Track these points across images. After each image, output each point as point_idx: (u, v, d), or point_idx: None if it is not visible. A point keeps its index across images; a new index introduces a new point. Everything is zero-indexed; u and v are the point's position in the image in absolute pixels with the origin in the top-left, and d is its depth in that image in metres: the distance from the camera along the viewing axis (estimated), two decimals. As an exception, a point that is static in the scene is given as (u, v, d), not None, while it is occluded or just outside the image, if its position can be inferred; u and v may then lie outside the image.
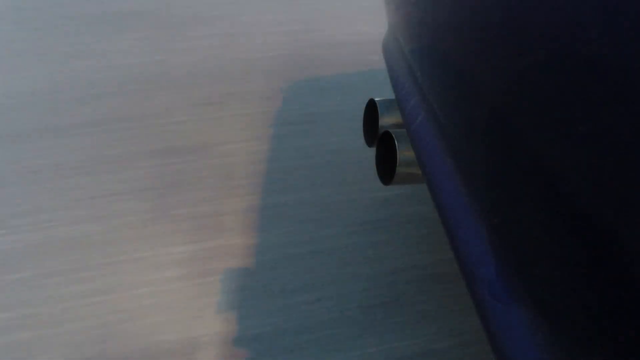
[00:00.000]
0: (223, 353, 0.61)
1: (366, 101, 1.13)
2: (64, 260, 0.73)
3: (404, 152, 0.61)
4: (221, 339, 0.62)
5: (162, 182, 0.89)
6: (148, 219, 0.81)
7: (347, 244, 0.76)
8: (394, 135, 0.63)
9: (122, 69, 1.31)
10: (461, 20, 0.36)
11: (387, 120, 0.72)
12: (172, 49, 1.43)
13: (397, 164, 0.61)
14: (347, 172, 0.91)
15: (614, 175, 0.22)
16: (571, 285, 0.25)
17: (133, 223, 0.80)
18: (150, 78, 1.25)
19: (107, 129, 1.04)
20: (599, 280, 0.23)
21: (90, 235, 0.78)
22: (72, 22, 1.65)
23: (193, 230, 0.79)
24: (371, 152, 0.97)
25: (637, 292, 0.21)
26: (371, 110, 0.76)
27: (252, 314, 0.65)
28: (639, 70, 0.20)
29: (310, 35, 1.53)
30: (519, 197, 0.29)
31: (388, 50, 0.67)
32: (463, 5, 0.36)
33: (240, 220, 0.81)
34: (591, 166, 0.23)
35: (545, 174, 0.27)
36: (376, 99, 0.74)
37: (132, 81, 1.24)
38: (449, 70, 0.39)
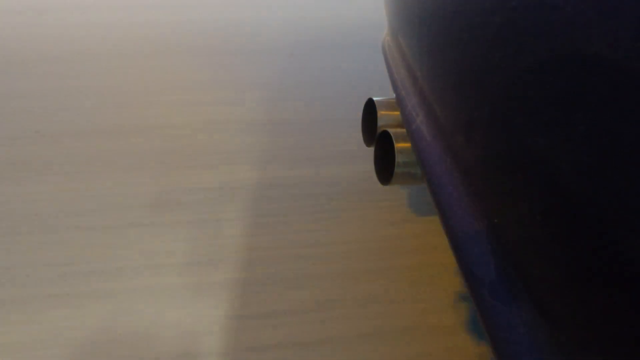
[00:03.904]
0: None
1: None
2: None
3: (403, 152, 0.61)
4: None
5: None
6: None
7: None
8: (392, 135, 0.63)
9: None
10: (461, 19, 0.36)
11: (385, 119, 0.72)
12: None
13: (396, 164, 0.61)
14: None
15: (616, 175, 0.22)
16: (572, 285, 0.25)
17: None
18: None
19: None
20: (600, 280, 0.23)
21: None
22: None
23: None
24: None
25: (638, 292, 0.21)
26: (369, 109, 0.76)
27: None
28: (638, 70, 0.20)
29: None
30: (520, 197, 0.29)
31: (388, 50, 0.67)
32: (463, 4, 0.36)
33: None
34: (592, 165, 0.23)
35: (546, 174, 0.27)
36: (375, 98, 0.74)
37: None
38: (450, 70, 0.39)
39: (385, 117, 0.72)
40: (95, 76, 1.28)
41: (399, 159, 0.61)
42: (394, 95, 0.62)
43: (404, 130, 0.60)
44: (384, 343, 0.61)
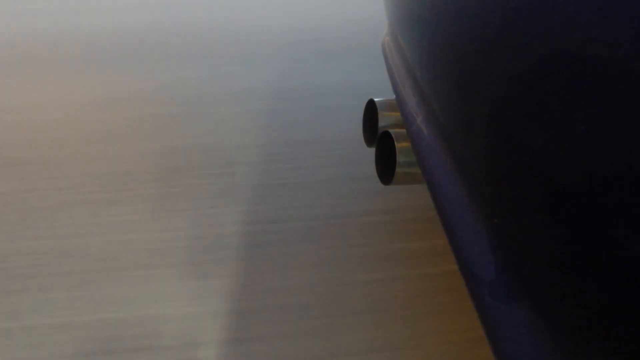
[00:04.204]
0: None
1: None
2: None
3: (404, 153, 0.61)
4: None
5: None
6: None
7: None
8: (393, 136, 0.63)
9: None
10: (462, 18, 0.36)
11: (386, 120, 0.72)
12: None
13: (397, 165, 0.61)
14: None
15: (616, 175, 0.22)
16: (573, 285, 0.25)
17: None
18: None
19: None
20: (600, 281, 0.23)
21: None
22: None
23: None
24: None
25: (639, 291, 0.21)
26: (370, 110, 0.76)
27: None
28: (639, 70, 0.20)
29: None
30: (520, 197, 0.29)
31: (388, 51, 0.67)
32: (464, 4, 0.36)
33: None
34: (592, 165, 0.23)
35: (547, 174, 0.27)
36: (375, 99, 0.74)
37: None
38: (450, 70, 0.39)
39: (386, 118, 0.72)
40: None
41: (399, 159, 0.61)
42: (394, 96, 0.62)
43: (404, 130, 0.60)
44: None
